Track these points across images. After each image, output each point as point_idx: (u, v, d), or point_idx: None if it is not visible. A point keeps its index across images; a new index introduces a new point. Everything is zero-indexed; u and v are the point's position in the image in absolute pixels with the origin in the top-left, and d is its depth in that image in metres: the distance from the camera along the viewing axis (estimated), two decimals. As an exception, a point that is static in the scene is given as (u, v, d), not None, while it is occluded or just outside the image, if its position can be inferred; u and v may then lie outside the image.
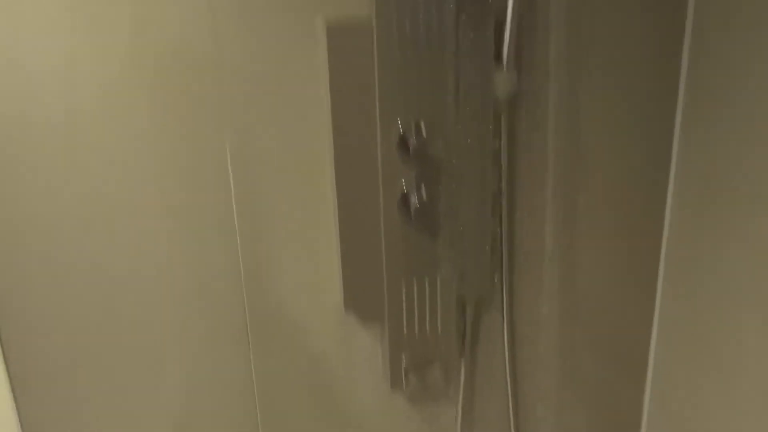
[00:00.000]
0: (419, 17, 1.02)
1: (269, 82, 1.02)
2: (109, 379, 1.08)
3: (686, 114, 1.09)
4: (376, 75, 1.03)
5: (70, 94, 0.95)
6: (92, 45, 0.94)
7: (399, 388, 1.20)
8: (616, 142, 1.15)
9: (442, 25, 1.03)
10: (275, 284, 1.12)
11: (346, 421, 1.24)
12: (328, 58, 1.00)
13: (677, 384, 1.18)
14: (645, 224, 1.17)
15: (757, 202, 0.97)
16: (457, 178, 1.11)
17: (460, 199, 1.12)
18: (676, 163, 1.12)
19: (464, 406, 1.27)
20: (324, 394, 1.22)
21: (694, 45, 1.06)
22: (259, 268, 1.10)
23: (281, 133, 1.05)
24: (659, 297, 1.19)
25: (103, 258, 1.03)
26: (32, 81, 0.93)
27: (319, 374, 1.20)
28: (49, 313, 1.03)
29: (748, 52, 0.97)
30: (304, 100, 1.04)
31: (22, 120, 0.94)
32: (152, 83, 0.98)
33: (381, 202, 1.08)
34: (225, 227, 1.07)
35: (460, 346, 1.22)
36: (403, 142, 1.06)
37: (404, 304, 1.14)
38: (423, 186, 1.08)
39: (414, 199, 1.08)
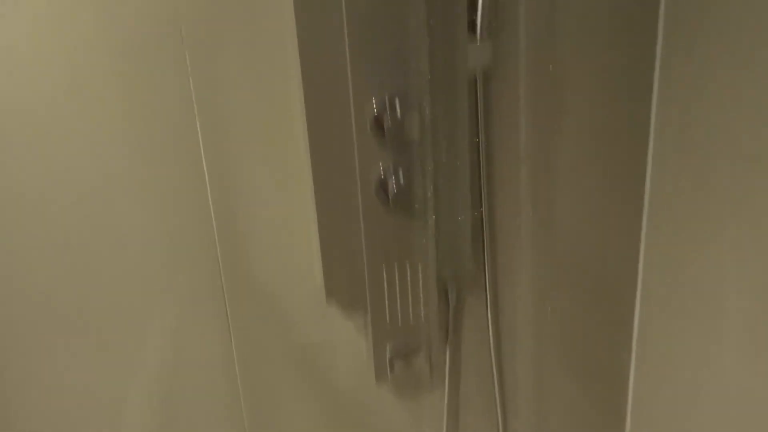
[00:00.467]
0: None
1: (236, 46, 0.96)
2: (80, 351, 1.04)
3: (663, 77, 1.06)
4: (347, 48, 0.95)
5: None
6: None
7: (384, 379, 1.16)
8: (596, 103, 1.11)
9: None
10: (254, 269, 1.06)
11: (332, 410, 1.20)
12: (296, 29, 0.93)
13: (663, 350, 1.16)
14: (627, 183, 1.14)
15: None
16: (435, 158, 1.05)
17: (439, 180, 1.07)
18: (656, 115, 1.09)
19: (450, 393, 1.23)
20: (308, 382, 1.19)
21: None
22: (236, 250, 1.04)
23: (252, 108, 0.99)
24: (642, 262, 1.17)
25: (75, 238, 0.98)
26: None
27: (302, 363, 1.17)
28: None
29: None
30: (273, 68, 0.98)
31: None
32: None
33: (358, 187, 1.02)
34: (200, 214, 1.01)
35: (444, 333, 1.18)
36: (378, 122, 0.99)
37: (386, 292, 1.09)
38: (400, 170, 1.02)
39: (392, 184, 1.02)
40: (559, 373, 1.26)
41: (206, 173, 1.00)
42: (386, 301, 1.09)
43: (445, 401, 1.23)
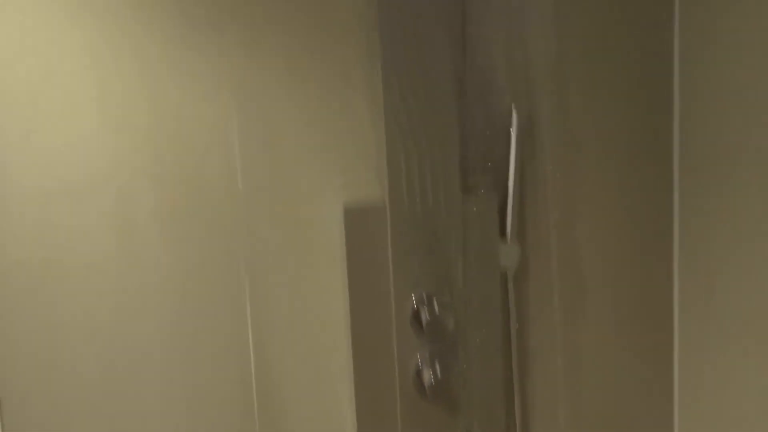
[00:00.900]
0: (428, 198, 1.09)
1: (288, 249, 1.06)
2: None
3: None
4: (389, 253, 1.07)
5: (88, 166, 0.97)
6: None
7: None
8: (619, 292, 1.18)
9: (449, 204, 1.10)
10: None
11: None
12: (345, 236, 1.05)
13: None
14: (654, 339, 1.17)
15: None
16: (470, 351, 1.12)
17: (473, 371, 1.12)
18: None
19: None
20: None
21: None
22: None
23: (300, 309, 1.07)
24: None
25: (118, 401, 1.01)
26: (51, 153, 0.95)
27: None
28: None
29: None
30: (321, 273, 1.08)
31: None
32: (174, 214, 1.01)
33: (396, 378, 1.08)
34: (243, 387, 1.05)
35: None
36: (416, 317, 1.08)
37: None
38: (437, 361, 1.08)
39: (428, 375, 1.08)
40: None
41: (252, 368, 1.06)
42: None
43: None
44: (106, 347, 1.00)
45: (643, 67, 1.19)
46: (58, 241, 0.96)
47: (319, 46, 1.04)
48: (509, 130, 1.12)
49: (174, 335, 1.02)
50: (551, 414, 1.18)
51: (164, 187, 1.00)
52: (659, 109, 1.20)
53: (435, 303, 1.08)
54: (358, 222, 1.05)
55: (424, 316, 1.08)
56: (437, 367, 1.08)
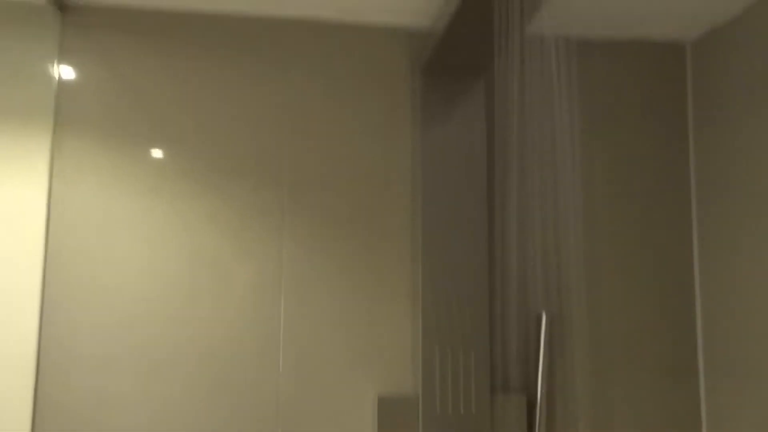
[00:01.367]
0: (459, 394, 1.14)
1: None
2: None
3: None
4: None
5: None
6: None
7: None
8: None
9: (479, 401, 1.15)
10: None
11: None
12: (377, 425, 1.11)
13: None
14: None
15: None
16: None
17: None
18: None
19: None
20: None
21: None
22: None
23: None
24: None
25: None
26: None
27: None
28: None
29: None
30: None
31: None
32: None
33: None
34: None
35: None
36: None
37: None
38: None
39: None
40: None
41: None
42: None
43: None
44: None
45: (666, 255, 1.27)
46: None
47: (365, 246, 1.19)
48: (539, 332, 1.19)
49: None
50: None
51: (210, 364, 1.12)
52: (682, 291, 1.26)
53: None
54: (390, 412, 1.12)
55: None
56: None
